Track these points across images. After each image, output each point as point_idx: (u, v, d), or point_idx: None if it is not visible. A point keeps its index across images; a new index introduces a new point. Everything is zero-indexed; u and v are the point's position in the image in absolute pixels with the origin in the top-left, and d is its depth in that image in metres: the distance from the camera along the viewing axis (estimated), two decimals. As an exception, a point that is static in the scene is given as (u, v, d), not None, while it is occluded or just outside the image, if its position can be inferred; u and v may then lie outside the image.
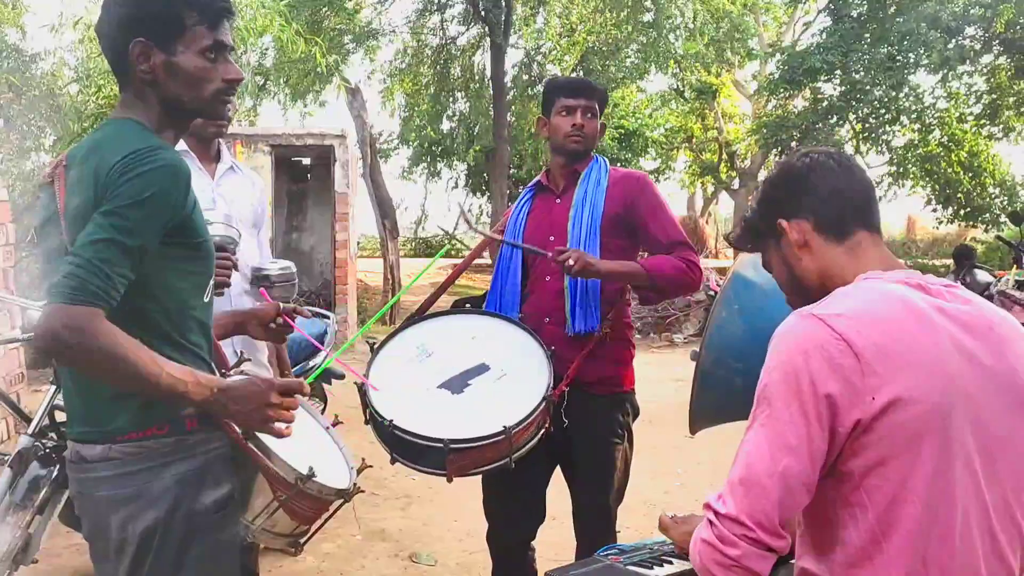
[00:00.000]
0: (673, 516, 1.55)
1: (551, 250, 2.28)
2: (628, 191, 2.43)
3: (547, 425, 2.16)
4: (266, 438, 1.55)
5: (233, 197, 2.49)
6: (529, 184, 2.66)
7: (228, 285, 2.16)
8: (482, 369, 2.21)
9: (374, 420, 2.09)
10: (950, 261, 8.93)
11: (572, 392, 2.29)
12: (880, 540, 1.16)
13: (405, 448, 2.05)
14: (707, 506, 1.21)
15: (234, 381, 1.44)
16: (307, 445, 1.69)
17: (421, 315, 2.46)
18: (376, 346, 2.33)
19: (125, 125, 1.43)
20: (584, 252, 2.27)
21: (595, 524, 2.44)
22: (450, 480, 2.05)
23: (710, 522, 1.19)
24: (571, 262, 2.19)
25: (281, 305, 1.95)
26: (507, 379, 2.18)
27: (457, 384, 2.17)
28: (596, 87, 2.53)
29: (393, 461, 2.10)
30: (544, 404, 2.10)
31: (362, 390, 2.16)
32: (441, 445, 1.97)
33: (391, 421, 2.02)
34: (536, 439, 2.13)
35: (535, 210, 2.54)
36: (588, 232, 2.38)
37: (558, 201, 2.49)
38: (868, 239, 1.34)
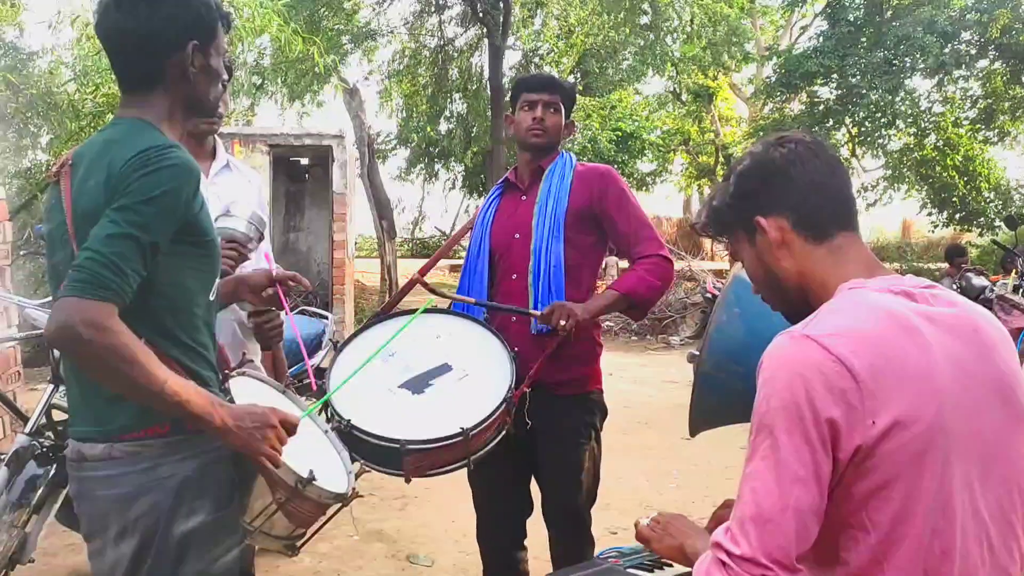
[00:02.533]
0: (654, 518, 1.49)
1: (537, 312, 2.27)
2: (593, 185, 2.39)
3: (508, 426, 2.14)
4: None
5: (227, 196, 2.42)
6: (498, 182, 2.62)
7: (230, 273, 2.11)
8: (444, 369, 2.18)
9: (332, 420, 2.05)
10: (944, 264, 8.97)
11: (537, 393, 2.25)
12: (882, 560, 1.14)
13: (363, 448, 2.02)
14: (717, 545, 1.14)
15: (235, 404, 1.46)
16: (307, 448, 1.68)
17: (387, 314, 2.42)
18: (339, 345, 2.30)
19: (135, 124, 1.44)
20: (564, 304, 2.24)
21: (568, 528, 2.41)
22: (408, 481, 2.03)
23: (723, 563, 1.12)
24: (563, 322, 2.19)
25: (274, 272, 1.93)
26: (469, 380, 2.16)
27: (418, 384, 2.14)
28: (561, 83, 2.49)
29: (353, 460, 2.05)
30: (504, 406, 2.08)
31: (322, 390, 2.12)
32: (398, 446, 1.96)
33: (349, 421, 1.99)
34: (496, 440, 2.12)
35: (502, 208, 2.51)
36: (552, 228, 2.35)
37: (523, 198, 2.46)
38: (849, 241, 1.28)
